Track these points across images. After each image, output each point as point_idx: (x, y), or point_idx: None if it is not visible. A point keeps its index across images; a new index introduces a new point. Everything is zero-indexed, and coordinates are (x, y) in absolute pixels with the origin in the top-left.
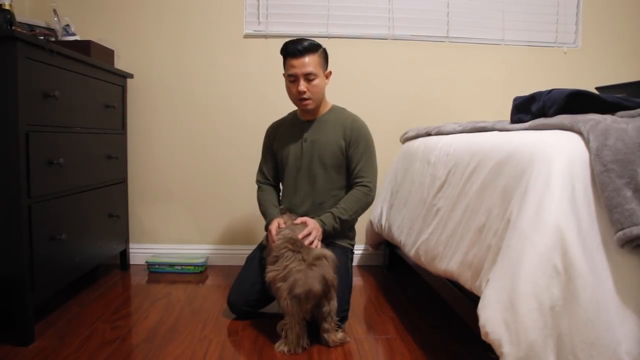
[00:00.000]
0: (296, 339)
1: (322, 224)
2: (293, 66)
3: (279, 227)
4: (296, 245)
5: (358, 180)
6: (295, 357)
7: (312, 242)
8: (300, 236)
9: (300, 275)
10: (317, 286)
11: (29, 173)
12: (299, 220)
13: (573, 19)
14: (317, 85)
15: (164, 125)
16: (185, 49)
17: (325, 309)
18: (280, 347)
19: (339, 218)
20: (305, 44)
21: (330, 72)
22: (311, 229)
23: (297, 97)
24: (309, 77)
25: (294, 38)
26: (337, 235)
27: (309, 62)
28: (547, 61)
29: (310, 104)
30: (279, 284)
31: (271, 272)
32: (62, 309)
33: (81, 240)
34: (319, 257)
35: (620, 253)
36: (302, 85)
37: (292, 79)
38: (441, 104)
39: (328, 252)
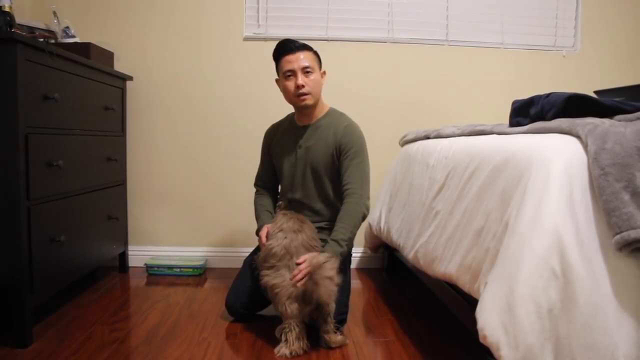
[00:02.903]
0: (297, 342)
1: None
2: (289, 62)
3: (268, 234)
4: (290, 253)
5: (345, 188)
6: (294, 359)
7: (299, 278)
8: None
9: (311, 283)
10: (332, 288)
11: (28, 175)
12: (302, 258)
13: (572, 22)
14: (315, 80)
15: (163, 127)
16: (184, 52)
17: (325, 309)
18: (281, 350)
19: (342, 240)
20: (299, 42)
21: (325, 72)
22: (306, 260)
23: (295, 93)
24: (306, 70)
25: (285, 39)
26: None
27: (305, 57)
28: (546, 65)
29: (309, 99)
30: (277, 290)
31: (266, 277)
32: (60, 311)
33: (80, 242)
34: (320, 263)
35: (618, 256)
36: (301, 79)
37: (289, 74)
38: (440, 107)
39: (325, 256)
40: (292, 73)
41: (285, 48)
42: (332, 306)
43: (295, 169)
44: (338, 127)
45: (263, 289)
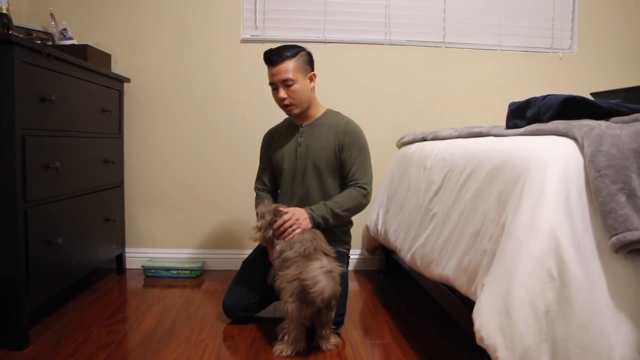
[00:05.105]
0: (293, 342)
1: (311, 211)
2: (272, 74)
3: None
4: (306, 255)
5: (353, 182)
6: (291, 359)
7: (289, 228)
8: (279, 222)
9: (320, 277)
10: (332, 288)
11: (25, 177)
12: (285, 209)
13: (568, 24)
14: (297, 90)
15: (161, 129)
16: (182, 54)
17: (324, 317)
18: (278, 349)
19: (331, 209)
20: (281, 51)
21: (315, 75)
22: (292, 214)
23: (280, 104)
24: (286, 83)
25: (273, 47)
26: (334, 240)
27: (286, 69)
28: (542, 67)
29: (294, 109)
30: (283, 285)
31: (279, 279)
32: (58, 313)
33: (77, 244)
34: (330, 270)
35: (614, 258)
36: (282, 93)
37: (273, 87)
38: (437, 109)
39: (334, 264)
40: (275, 86)
41: (267, 61)
42: (331, 315)
43: (295, 168)
44: (338, 125)
45: (277, 291)
